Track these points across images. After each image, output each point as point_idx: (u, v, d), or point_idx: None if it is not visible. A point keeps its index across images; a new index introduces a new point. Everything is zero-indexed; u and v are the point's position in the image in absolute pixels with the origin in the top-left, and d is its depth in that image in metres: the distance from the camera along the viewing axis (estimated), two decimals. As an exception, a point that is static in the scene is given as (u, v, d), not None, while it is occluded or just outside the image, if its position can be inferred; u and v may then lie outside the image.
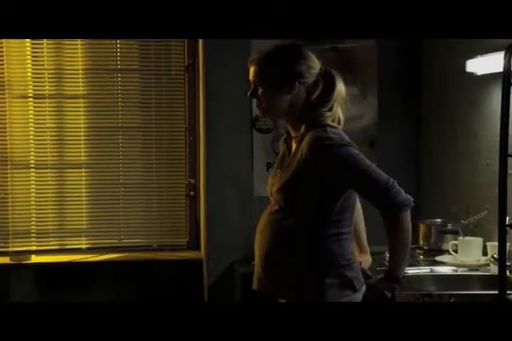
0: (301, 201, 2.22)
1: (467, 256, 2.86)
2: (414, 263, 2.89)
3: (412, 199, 2.18)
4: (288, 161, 2.27)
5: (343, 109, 2.27)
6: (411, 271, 2.69)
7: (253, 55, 2.31)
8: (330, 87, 2.23)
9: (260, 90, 2.25)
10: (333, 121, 2.23)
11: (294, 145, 2.29)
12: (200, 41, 3.89)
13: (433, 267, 2.76)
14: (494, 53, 2.84)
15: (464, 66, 3.08)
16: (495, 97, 3.04)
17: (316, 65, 2.26)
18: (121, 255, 4.04)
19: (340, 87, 2.26)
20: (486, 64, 2.95)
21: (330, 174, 2.17)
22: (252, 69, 2.27)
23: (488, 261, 2.75)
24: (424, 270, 2.72)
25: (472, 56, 3.02)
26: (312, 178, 2.18)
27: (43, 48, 3.99)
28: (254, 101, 2.30)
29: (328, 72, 2.26)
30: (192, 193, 4.12)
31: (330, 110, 2.23)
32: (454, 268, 2.76)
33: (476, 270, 2.73)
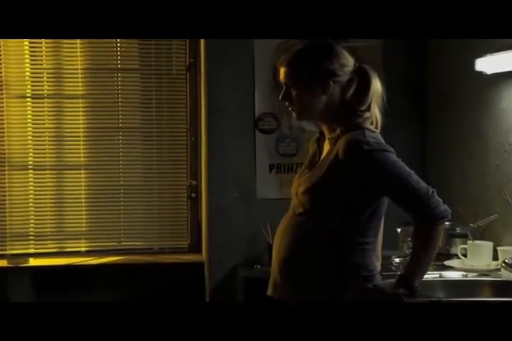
0: (327, 205, 2.12)
1: (477, 260, 2.78)
2: (422, 268, 2.81)
3: (450, 211, 2.11)
4: (319, 163, 2.17)
5: (380, 108, 2.17)
6: (419, 276, 2.61)
7: (282, 55, 2.21)
8: (365, 84, 2.13)
9: (294, 92, 2.15)
10: (371, 123, 2.13)
11: (326, 147, 2.19)
12: (202, 40, 3.83)
13: (442, 272, 2.68)
14: (504, 52, 2.78)
15: (472, 65, 3.01)
16: (504, 97, 2.98)
17: (349, 62, 2.16)
18: (121, 258, 3.98)
19: (377, 84, 2.15)
20: (495, 63, 2.89)
21: (366, 180, 2.07)
22: (282, 70, 2.18)
23: (498, 266, 2.68)
24: (432, 275, 2.63)
25: (481, 55, 2.94)
26: (343, 183, 2.08)
27: (41, 47, 3.94)
28: (287, 103, 2.21)
29: (363, 68, 2.16)
30: (193, 195, 4.07)
31: (368, 110, 2.13)
32: (464, 273, 2.68)
33: (487, 275, 2.65)
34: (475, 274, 2.68)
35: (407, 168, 2.07)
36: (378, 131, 2.15)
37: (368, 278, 2.13)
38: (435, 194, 2.08)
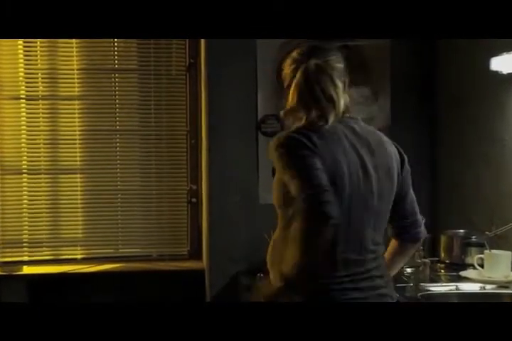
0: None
1: (494, 271, 2.64)
2: (437, 279, 2.68)
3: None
4: None
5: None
6: (434, 287, 2.47)
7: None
8: None
9: None
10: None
11: None
12: (202, 40, 3.74)
13: (458, 284, 2.54)
14: (522, 50, 2.66)
15: (487, 64, 2.89)
16: (522, 98, 2.85)
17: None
18: (118, 265, 3.90)
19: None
20: (512, 62, 2.77)
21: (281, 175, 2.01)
22: None
23: (518, 278, 2.55)
24: (448, 287, 2.49)
25: (496, 53, 2.82)
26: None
27: (36, 47, 3.85)
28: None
29: None
30: (194, 200, 3.99)
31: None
32: (481, 284, 2.53)
33: (506, 287, 2.51)
34: (493, 286, 2.54)
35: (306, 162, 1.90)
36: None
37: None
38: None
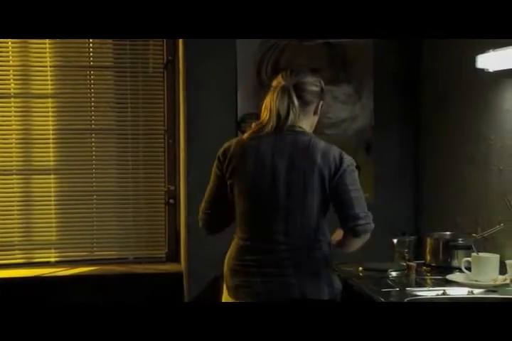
0: None
1: (482, 274, 2.56)
2: (423, 283, 2.60)
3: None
4: None
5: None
6: (421, 292, 2.40)
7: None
8: None
9: None
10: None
11: None
12: (180, 36, 3.67)
13: (445, 288, 2.45)
14: (509, 47, 2.59)
15: (472, 62, 2.83)
16: (509, 96, 2.80)
17: None
18: (93, 269, 3.83)
19: None
20: (499, 59, 2.72)
21: None
22: None
23: (507, 281, 2.46)
24: (436, 292, 2.41)
25: (482, 51, 2.76)
26: None
27: (7, 43, 3.76)
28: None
29: None
30: (171, 201, 3.92)
31: None
32: (469, 289, 2.45)
33: (495, 291, 2.43)
34: (481, 290, 2.46)
35: None
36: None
37: None
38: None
